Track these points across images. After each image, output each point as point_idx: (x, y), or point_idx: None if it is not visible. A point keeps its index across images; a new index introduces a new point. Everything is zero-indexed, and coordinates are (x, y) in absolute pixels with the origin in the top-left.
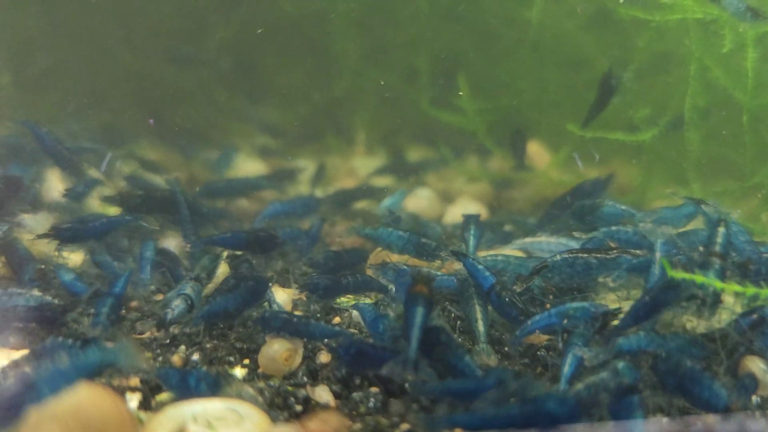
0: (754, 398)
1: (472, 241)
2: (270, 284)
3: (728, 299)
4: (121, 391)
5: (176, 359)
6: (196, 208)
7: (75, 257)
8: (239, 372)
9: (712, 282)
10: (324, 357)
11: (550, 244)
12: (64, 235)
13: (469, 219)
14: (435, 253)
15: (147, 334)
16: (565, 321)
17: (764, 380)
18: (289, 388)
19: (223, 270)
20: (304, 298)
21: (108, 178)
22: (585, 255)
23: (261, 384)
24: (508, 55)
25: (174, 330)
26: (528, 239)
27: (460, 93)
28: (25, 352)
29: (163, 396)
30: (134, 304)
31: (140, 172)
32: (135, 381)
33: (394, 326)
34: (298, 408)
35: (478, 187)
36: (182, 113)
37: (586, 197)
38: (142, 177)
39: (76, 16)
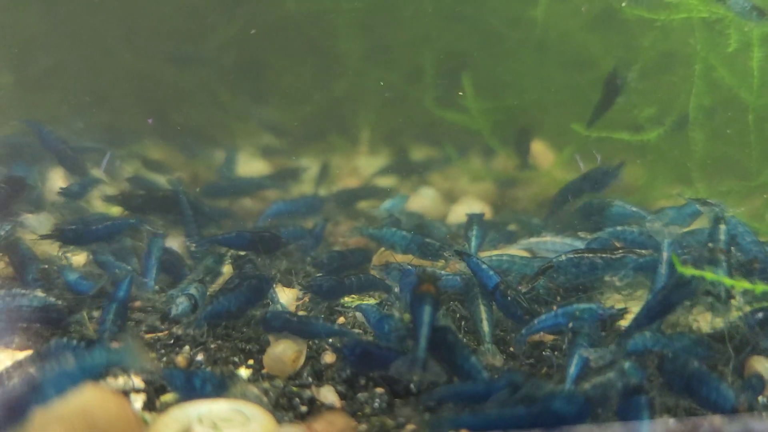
0: (761, 399)
1: (474, 241)
2: (273, 283)
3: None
4: (125, 392)
5: (180, 360)
6: (199, 207)
7: (78, 257)
8: (244, 372)
9: (723, 279)
10: (329, 357)
11: (555, 244)
12: (67, 237)
13: (472, 218)
14: (439, 253)
15: (152, 335)
16: (572, 322)
17: None
18: (294, 388)
19: (227, 270)
20: (307, 300)
21: (110, 177)
22: (590, 255)
23: (266, 384)
24: (512, 54)
25: (177, 330)
26: (533, 239)
27: (460, 93)
28: (29, 352)
29: (168, 397)
30: (138, 304)
31: (143, 172)
32: (139, 381)
33: (399, 326)
34: (303, 409)
35: (482, 187)
36: (185, 113)
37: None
38: (144, 177)
39: (78, 16)
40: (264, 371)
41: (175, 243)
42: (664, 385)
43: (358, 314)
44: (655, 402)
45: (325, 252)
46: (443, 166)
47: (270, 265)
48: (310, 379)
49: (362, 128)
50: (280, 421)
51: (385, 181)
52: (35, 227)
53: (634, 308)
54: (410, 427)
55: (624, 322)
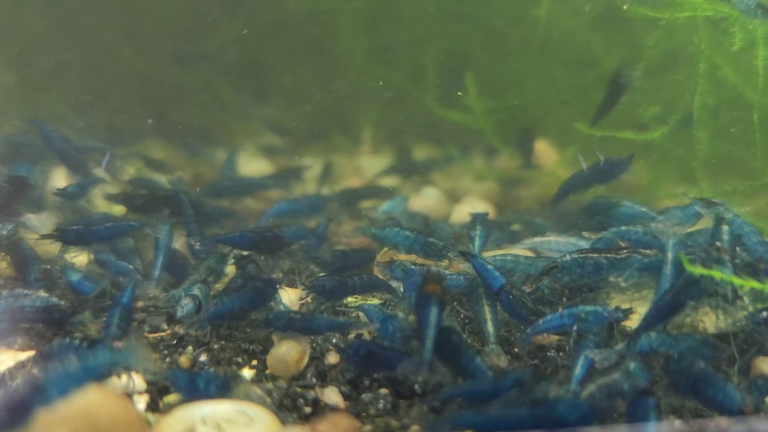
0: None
1: (477, 241)
2: (279, 287)
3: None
4: (128, 393)
5: (184, 360)
6: (200, 207)
7: (80, 257)
8: (247, 373)
9: (730, 278)
10: (332, 358)
11: (559, 244)
12: (68, 237)
13: (476, 218)
14: (442, 252)
15: (155, 335)
16: (577, 324)
17: None
18: (298, 389)
19: (230, 270)
20: (309, 300)
21: (113, 177)
22: (595, 255)
23: (269, 385)
24: (515, 53)
25: (180, 329)
26: (537, 239)
27: (459, 93)
28: (31, 353)
29: (171, 398)
30: (140, 304)
31: (145, 171)
32: (142, 382)
33: (404, 327)
34: (307, 410)
35: (485, 186)
36: (187, 112)
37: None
38: (145, 177)
39: (80, 15)
40: (267, 372)
41: (177, 243)
42: (669, 386)
43: (361, 314)
44: (660, 403)
45: (329, 252)
46: (446, 165)
47: (273, 265)
48: (313, 380)
49: (364, 127)
50: (284, 422)
51: (388, 181)
52: (37, 227)
53: (639, 309)
54: (415, 428)
55: (629, 323)
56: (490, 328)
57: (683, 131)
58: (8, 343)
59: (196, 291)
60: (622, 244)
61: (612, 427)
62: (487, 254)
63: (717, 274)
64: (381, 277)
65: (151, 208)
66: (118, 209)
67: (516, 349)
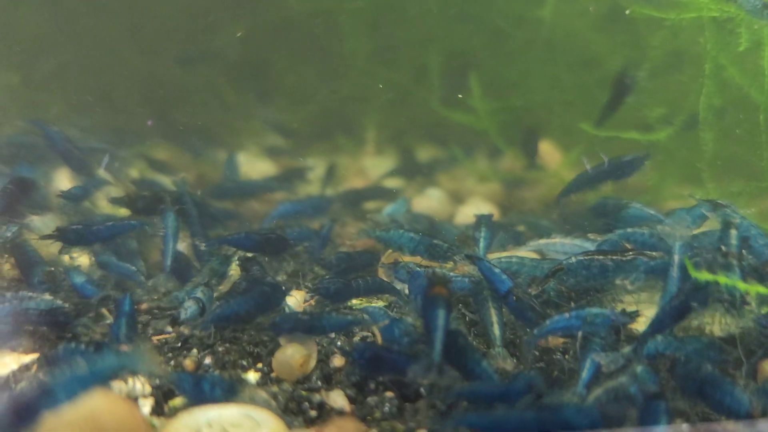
0: None
1: (482, 243)
2: (287, 293)
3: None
4: (133, 397)
5: (188, 363)
6: (204, 209)
7: (82, 259)
8: (252, 376)
9: (737, 283)
10: (338, 361)
11: (564, 246)
12: (68, 238)
13: (481, 219)
14: (447, 254)
15: (160, 337)
16: (584, 326)
17: None
18: (303, 392)
19: (234, 271)
20: (313, 302)
21: (116, 178)
22: (601, 257)
23: (275, 388)
24: (519, 54)
25: (185, 330)
26: (542, 240)
27: (459, 96)
28: (35, 356)
29: (177, 401)
30: (144, 306)
31: (148, 173)
32: (147, 386)
33: (410, 330)
34: (313, 413)
35: (489, 187)
36: (190, 113)
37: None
38: (149, 179)
39: (83, 16)
40: (273, 375)
41: (181, 244)
42: (676, 389)
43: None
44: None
45: (333, 253)
46: (449, 166)
47: (277, 266)
48: (319, 383)
49: (368, 128)
50: (289, 425)
51: (392, 182)
52: (41, 229)
53: (646, 311)
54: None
55: (635, 325)
56: (495, 330)
57: (689, 132)
58: (12, 346)
59: (199, 294)
60: (628, 246)
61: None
62: (492, 256)
63: (722, 279)
64: (385, 278)
65: (155, 210)
66: (124, 212)
67: (520, 352)
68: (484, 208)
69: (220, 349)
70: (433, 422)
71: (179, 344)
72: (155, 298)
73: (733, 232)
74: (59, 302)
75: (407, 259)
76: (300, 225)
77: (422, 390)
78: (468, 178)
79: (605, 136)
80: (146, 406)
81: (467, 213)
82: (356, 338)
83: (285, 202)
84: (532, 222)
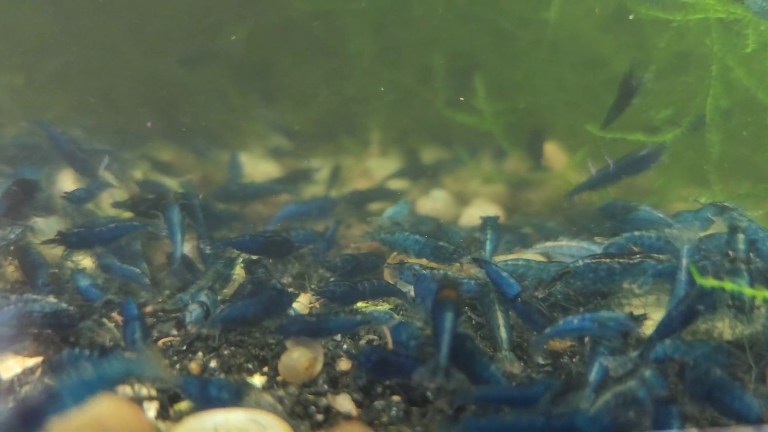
0: None
1: (488, 245)
2: (294, 299)
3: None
4: (138, 401)
5: (194, 366)
6: (209, 210)
7: (86, 262)
8: (258, 380)
9: (743, 289)
10: (344, 364)
11: (571, 249)
12: (70, 241)
13: (486, 222)
14: (453, 257)
15: (165, 339)
16: (597, 329)
17: None
18: (310, 396)
19: (239, 274)
20: (318, 306)
21: (120, 180)
22: (608, 260)
23: (281, 392)
24: (524, 55)
25: (191, 329)
26: (549, 243)
27: (461, 98)
28: (39, 359)
29: (182, 405)
30: (149, 309)
31: (152, 174)
32: (152, 389)
33: (418, 333)
34: (319, 417)
35: (493, 189)
36: (194, 114)
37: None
38: (153, 180)
39: (87, 17)
40: (279, 378)
41: (186, 247)
42: (684, 393)
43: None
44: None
45: (338, 255)
46: (454, 167)
47: (282, 269)
48: (325, 387)
49: (372, 129)
50: (296, 429)
51: (397, 184)
52: (45, 231)
53: (654, 315)
54: None
55: (643, 329)
56: (502, 334)
57: (695, 134)
58: (16, 349)
59: (203, 298)
60: (636, 249)
61: None
62: (498, 258)
63: (728, 285)
64: (390, 280)
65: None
66: (128, 216)
67: (527, 356)
68: (489, 209)
69: (226, 352)
70: (442, 428)
71: (184, 347)
72: (159, 300)
73: (741, 236)
74: (64, 305)
75: (412, 260)
76: (304, 227)
77: (429, 394)
78: (473, 180)
79: (611, 138)
80: (151, 409)
81: (472, 215)
82: (362, 341)
83: (290, 203)
84: (538, 224)
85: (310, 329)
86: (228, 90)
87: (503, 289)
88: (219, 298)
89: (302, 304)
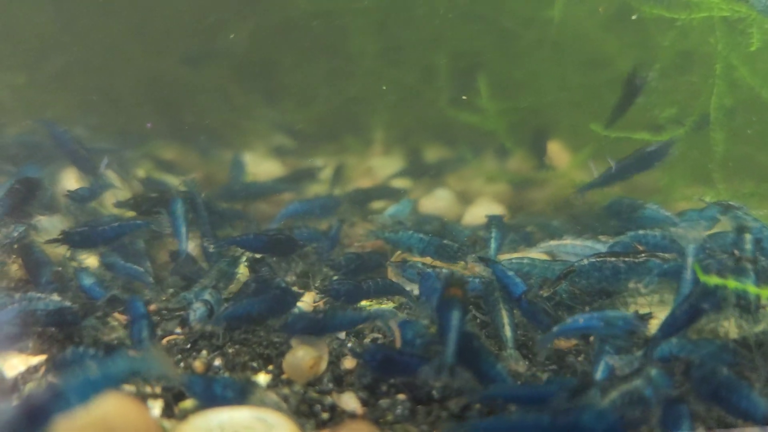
0: None
1: (493, 244)
2: (299, 299)
3: None
4: (143, 398)
5: (198, 365)
6: (213, 209)
7: (90, 260)
8: (263, 378)
9: (749, 288)
10: (348, 363)
11: (575, 247)
12: (73, 240)
13: (491, 220)
14: (457, 255)
15: (170, 338)
16: (605, 328)
17: None
18: (315, 394)
19: (243, 272)
20: (322, 304)
21: (123, 179)
22: (613, 259)
23: (285, 390)
24: (528, 54)
25: (195, 325)
26: (553, 242)
27: (464, 97)
28: (43, 357)
29: (187, 403)
30: (153, 307)
31: (155, 173)
32: (157, 388)
33: (424, 332)
34: (325, 416)
35: (497, 188)
36: (197, 112)
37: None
38: (156, 179)
39: (90, 16)
40: (284, 377)
41: (189, 245)
42: (690, 392)
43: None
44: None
45: (341, 254)
46: (458, 166)
47: (286, 267)
48: (330, 385)
49: (376, 128)
50: (302, 428)
51: (400, 182)
52: (48, 229)
53: (660, 314)
54: None
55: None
56: (507, 332)
57: (699, 133)
58: (20, 347)
59: (207, 296)
60: (640, 248)
61: None
62: (503, 257)
63: (731, 283)
64: (394, 278)
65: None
66: (132, 215)
67: (533, 354)
68: (493, 208)
69: (230, 350)
70: (449, 427)
71: (188, 346)
72: (163, 299)
73: (748, 236)
74: (67, 303)
75: (415, 259)
76: (307, 226)
77: (434, 392)
78: (476, 179)
79: (615, 137)
80: (156, 407)
81: (475, 214)
82: (367, 340)
83: (294, 202)
84: (542, 223)
85: (316, 326)
86: (230, 89)
87: (509, 288)
88: (223, 296)
89: (307, 303)
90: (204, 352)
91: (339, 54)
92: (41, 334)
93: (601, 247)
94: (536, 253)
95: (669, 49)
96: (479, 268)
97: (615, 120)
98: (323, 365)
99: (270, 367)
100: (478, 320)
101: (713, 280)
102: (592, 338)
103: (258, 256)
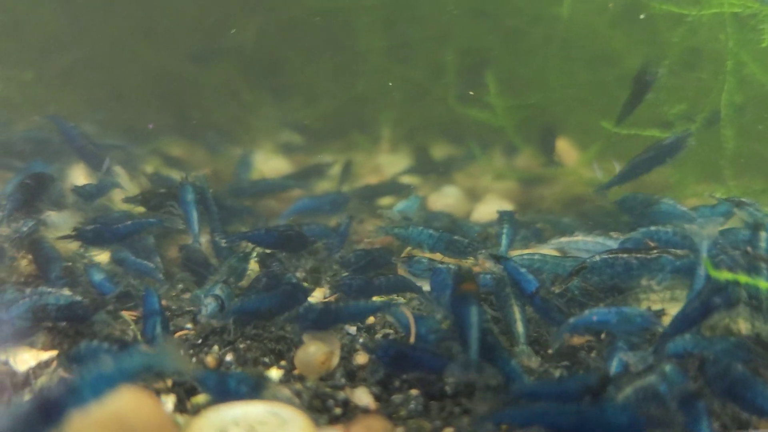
0: None
1: (505, 240)
2: (309, 294)
3: None
4: (156, 393)
5: (210, 360)
6: (222, 204)
7: (101, 256)
8: (275, 373)
9: (761, 284)
10: (361, 358)
11: (586, 244)
12: (86, 237)
13: (503, 216)
14: (467, 250)
15: (181, 332)
16: (621, 323)
17: None
18: (328, 389)
19: (253, 268)
20: (333, 300)
21: (132, 176)
22: (625, 255)
23: (298, 386)
24: (536, 51)
25: (201, 319)
26: (564, 238)
27: (471, 93)
28: (53, 352)
29: (200, 398)
30: (163, 303)
31: (164, 169)
32: (169, 382)
33: (438, 328)
34: (338, 411)
35: (505, 185)
36: (205, 110)
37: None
38: (164, 175)
39: (97, 12)
40: (296, 372)
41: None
42: (705, 389)
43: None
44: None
45: (351, 251)
46: (466, 163)
47: (296, 263)
48: (343, 380)
49: (383, 125)
50: (316, 423)
51: (408, 179)
52: (58, 225)
53: (672, 310)
54: (448, 430)
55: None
56: (519, 328)
57: (709, 130)
58: (31, 342)
59: (218, 291)
60: (652, 244)
61: None
62: (514, 253)
63: (743, 278)
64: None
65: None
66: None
67: (549, 351)
68: (501, 205)
69: (242, 345)
70: (475, 415)
71: (199, 341)
72: (173, 294)
73: (764, 234)
74: (78, 297)
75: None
76: (316, 222)
77: (447, 388)
78: (484, 176)
79: (625, 134)
80: (168, 403)
81: (484, 211)
82: (378, 335)
83: (303, 198)
84: (553, 220)
85: (328, 316)
86: (238, 86)
87: (522, 285)
88: (234, 292)
89: (317, 299)
90: (215, 348)
91: (346, 51)
92: (51, 329)
93: (613, 244)
94: (547, 250)
95: (678, 45)
96: (489, 264)
97: (625, 117)
98: (335, 360)
99: (282, 363)
100: (490, 316)
101: (724, 275)
102: (603, 335)
103: (268, 251)
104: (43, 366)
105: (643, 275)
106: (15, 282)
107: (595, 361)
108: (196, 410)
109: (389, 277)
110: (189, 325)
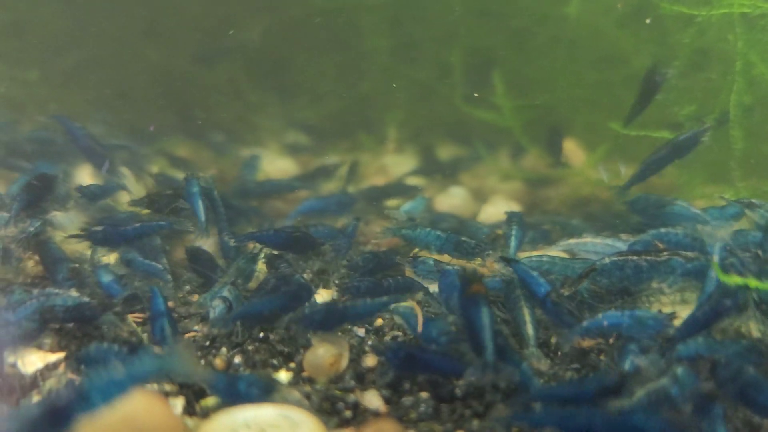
0: None
1: (513, 241)
2: (314, 293)
3: None
4: (165, 396)
5: (218, 362)
6: (229, 205)
7: (110, 258)
8: (284, 375)
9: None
10: (370, 360)
11: (596, 245)
12: (95, 238)
13: (512, 217)
14: (475, 251)
15: (190, 334)
16: (635, 326)
17: None
18: (338, 392)
19: (260, 269)
20: None
21: (137, 176)
22: (635, 257)
23: (307, 388)
24: (543, 51)
25: (215, 324)
26: (573, 240)
27: (475, 95)
28: (61, 354)
29: (209, 401)
30: (170, 304)
31: (169, 170)
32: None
33: (448, 330)
34: (348, 414)
35: (512, 186)
36: (210, 110)
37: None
38: (169, 176)
39: (103, 12)
40: (305, 374)
41: (207, 242)
42: (716, 391)
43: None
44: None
45: (357, 253)
46: (473, 164)
47: (303, 265)
48: (352, 383)
49: (389, 126)
50: (326, 425)
51: (414, 181)
52: (64, 225)
53: (682, 313)
54: None
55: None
56: (529, 330)
57: (718, 130)
58: (38, 344)
59: (225, 293)
60: (662, 246)
61: None
62: (522, 255)
63: (753, 282)
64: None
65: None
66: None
67: (560, 353)
68: (508, 206)
69: (250, 348)
70: (498, 419)
71: (208, 343)
72: (180, 296)
73: None
74: (86, 298)
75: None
76: (323, 223)
77: (457, 390)
78: (491, 177)
79: (633, 135)
80: (177, 406)
81: (490, 212)
82: (387, 338)
83: (309, 198)
84: (562, 222)
85: (334, 316)
86: (244, 86)
87: (532, 288)
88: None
89: (324, 299)
90: (224, 350)
91: (352, 51)
92: (59, 331)
93: (622, 246)
94: (556, 251)
95: (687, 46)
96: (498, 266)
97: (634, 117)
98: (344, 363)
99: (291, 365)
100: (499, 318)
101: (734, 279)
102: (613, 338)
103: (276, 252)
104: (50, 368)
105: (653, 278)
106: (22, 283)
107: (606, 363)
108: (206, 413)
109: (397, 278)
110: (197, 327)
